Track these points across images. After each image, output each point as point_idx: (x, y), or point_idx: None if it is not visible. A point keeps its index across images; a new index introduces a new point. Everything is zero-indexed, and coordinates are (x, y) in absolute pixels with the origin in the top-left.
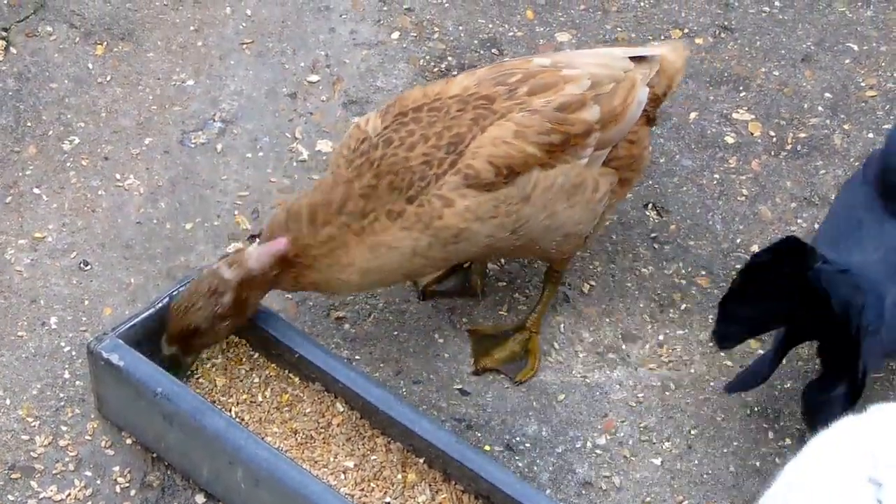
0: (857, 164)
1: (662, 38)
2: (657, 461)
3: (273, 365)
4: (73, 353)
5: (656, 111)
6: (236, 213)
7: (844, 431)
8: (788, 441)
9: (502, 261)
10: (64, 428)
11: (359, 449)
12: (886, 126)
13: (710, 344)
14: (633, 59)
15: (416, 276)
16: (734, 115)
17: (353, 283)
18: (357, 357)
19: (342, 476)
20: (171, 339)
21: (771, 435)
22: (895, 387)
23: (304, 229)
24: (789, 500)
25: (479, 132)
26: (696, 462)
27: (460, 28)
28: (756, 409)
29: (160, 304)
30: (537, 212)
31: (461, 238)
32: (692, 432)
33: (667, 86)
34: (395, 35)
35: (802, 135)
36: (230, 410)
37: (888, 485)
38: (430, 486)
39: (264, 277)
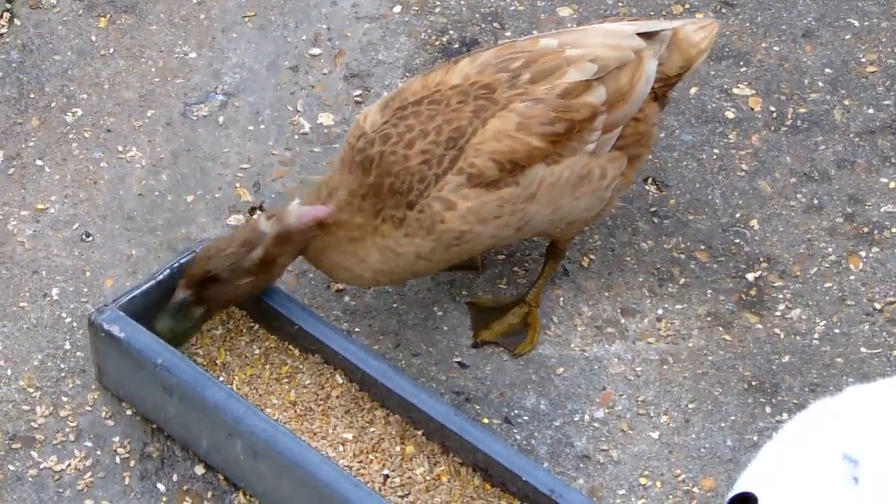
0: (857, 139)
1: (664, 13)
2: (655, 435)
3: (273, 337)
4: (74, 324)
5: (667, 92)
6: (237, 185)
7: (821, 411)
8: (786, 416)
9: None
10: (64, 398)
11: (357, 421)
12: (887, 102)
13: (709, 318)
14: (643, 34)
15: (423, 276)
16: (734, 90)
17: (365, 279)
18: (356, 329)
19: (341, 448)
20: (187, 281)
21: (768, 409)
22: (892, 363)
23: (344, 205)
24: (768, 477)
25: (479, 125)
26: (694, 436)
27: (462, 2)
28: (754, 383)
29: (161, 276)
30: (542, 208)
31: (463, 241)
32: (690, 406)
33: (681, 66)
34: (397, 9)
35: (802, 110)
36: (230, 382)
37: (864, 462)
38: (428, 458)
39: (299, 237)
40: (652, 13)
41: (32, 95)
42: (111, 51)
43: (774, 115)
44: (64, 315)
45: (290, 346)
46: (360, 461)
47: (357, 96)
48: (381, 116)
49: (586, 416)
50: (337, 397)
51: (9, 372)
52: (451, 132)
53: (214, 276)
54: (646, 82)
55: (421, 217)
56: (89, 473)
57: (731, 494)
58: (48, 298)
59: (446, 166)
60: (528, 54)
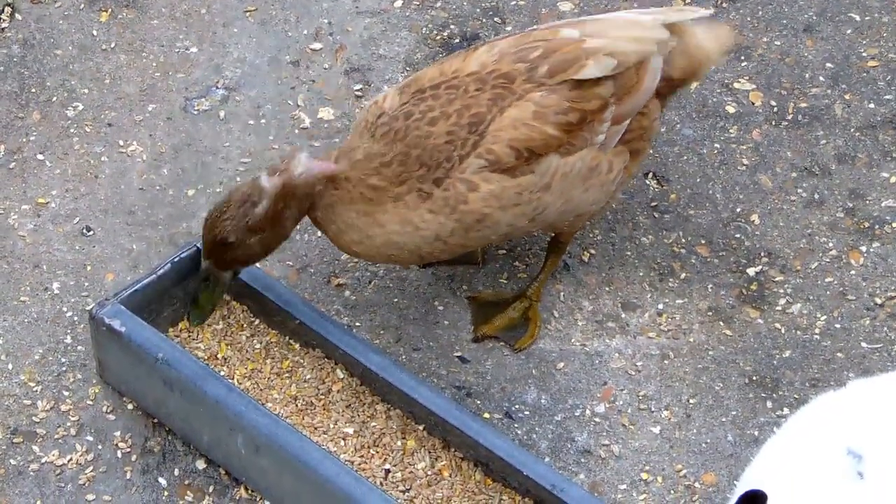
0: (857, 134)
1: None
2: (655, 430)
3: (274, 331)
4: (75, 318)
5: (669, 93)
6: (238, 179)
7: (825, 406)
8: (787, 410)
9: None
10: (66, 393)
11: (359, 416)
12: (888, 96)
13: (710, 312)
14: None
15: (429, 260)
16: (735, 85)
17: (373, 248)
18: (357, 324)
19: (342, 442)
20: (205, 250)
21: (769, 404)
22: (893, 358)
23: (361, 164)
24: (772, 473)
25: (498, 113)
26: (695, 431)
27: None
28: (754, 378)
29: (162, 271)
30: (555, 199)
31: (483, 225)
32: (691, 401)
33: (685, 69)
34: (398, 3)
35: (803, 104)
36: (231, 377)
37: (868, 456)
38: (429, 453)
39: (305, 191)
40: (652, 7)
41: (33, 90)
42: (112, 45)
43: (775, 109)
44: (65, 309)
45: (291, 341)
46: (362, 456)
47: (358, 91)
48: (400, 99)
49: (587, 411)
50: (338, 392)
51: (10, 366)
52: (471, 117)
53: (223, 240)
54: (652, 78)
55: (447, 195)
56: (91, 468)
57: (737, 491)
58: (49, 293)
59: (469, 149)
60: (547, 43)
